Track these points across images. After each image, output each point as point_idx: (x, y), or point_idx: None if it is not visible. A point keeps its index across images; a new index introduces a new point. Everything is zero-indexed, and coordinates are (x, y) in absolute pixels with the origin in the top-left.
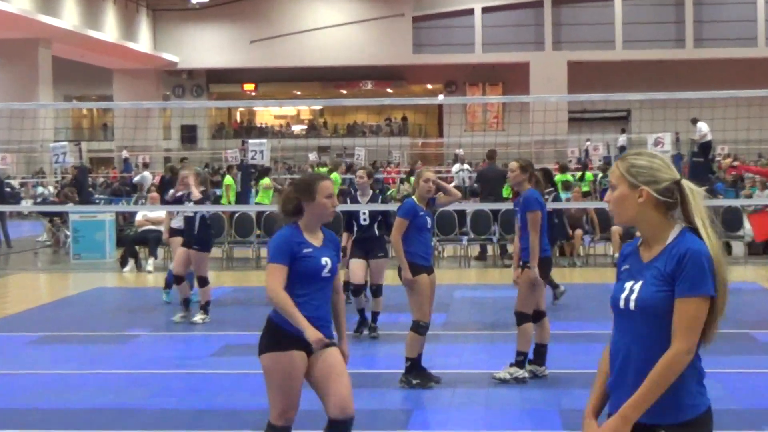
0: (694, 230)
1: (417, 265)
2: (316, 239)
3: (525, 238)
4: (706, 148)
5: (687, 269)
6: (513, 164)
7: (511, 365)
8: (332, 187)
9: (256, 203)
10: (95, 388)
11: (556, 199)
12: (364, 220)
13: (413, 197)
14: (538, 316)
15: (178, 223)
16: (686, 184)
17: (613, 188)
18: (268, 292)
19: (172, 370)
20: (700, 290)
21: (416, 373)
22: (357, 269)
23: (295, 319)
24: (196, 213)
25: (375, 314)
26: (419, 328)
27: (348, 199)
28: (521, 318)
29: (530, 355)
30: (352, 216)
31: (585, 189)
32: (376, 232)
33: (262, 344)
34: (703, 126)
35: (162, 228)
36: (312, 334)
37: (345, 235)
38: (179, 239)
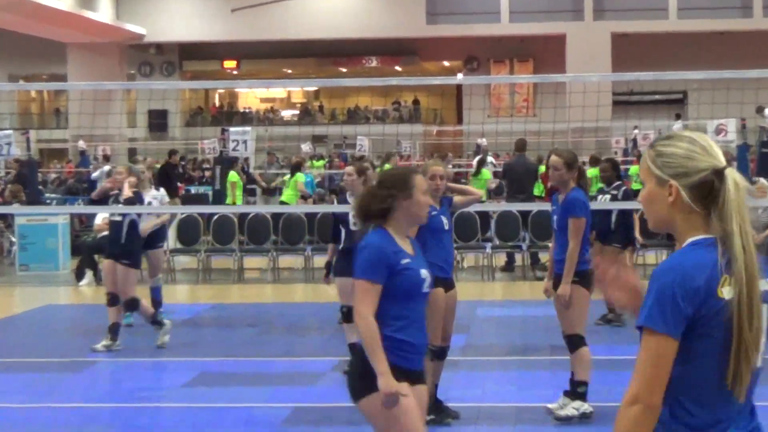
0: (725, 240)
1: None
2: (407, 246)
3: (564, 247)
4: None
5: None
6: (556, 160)
7: (572, 397)
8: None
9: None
10: (45, 424)
11: (627, 196)
12: (354, 224)
13: None
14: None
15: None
16: (731, 174)
17: (643, 184)
18: (357, 319)
19: (137, 403)
20: (639, 320)
21: (430, 407)
22: (347, 288)
23: (376, 358)
24: (124, 217)
25: None
26: (430, 353)
27: (336, 201)
28: (575, 341)
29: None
30: (339, 221)
31: (635, 186)
32: None
33: (357, 386)
34: None
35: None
36: (387, 384)
37: (330, 246)
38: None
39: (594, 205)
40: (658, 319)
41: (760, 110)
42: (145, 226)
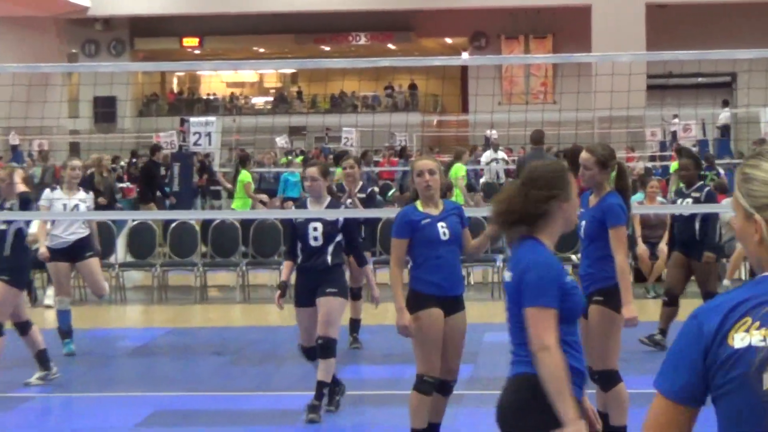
0: None
1: (422, 295)
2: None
3: (593, 259)
4: None
5: None
6: (587, 157)
7: None
8: None
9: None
10: None
11: (711, 198)
12: (315, 239)
13: (416, 202)
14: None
15: (55, 238)
16: None
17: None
18: (541, 353)
19: None
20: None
21: None
22: (305, 323)
23: (565, 401)
24: (9, 224)
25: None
26: (423, 386)
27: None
28: (610, 378)
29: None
30: (297, 234)
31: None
32: (329, 259)
33: (531, 424)
34: None
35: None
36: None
37: (286, 264)
38: (59, 264)
39: (670, 209)
40: (665, 377)
41: None
42: (34, 235)
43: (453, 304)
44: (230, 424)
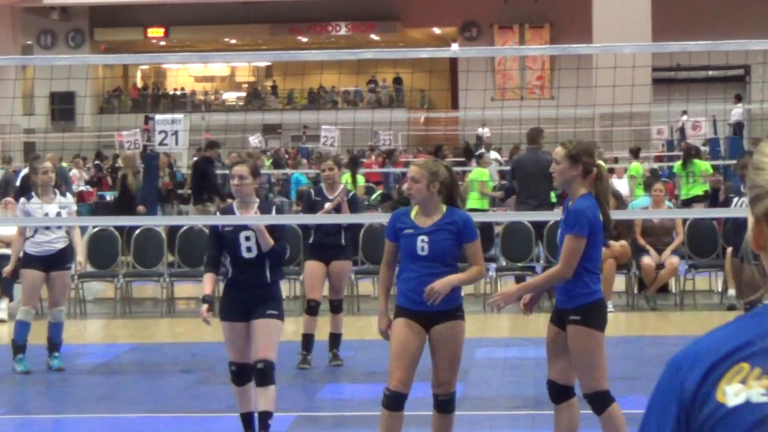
0: None
1: (398, 306)
2: None
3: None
4: None
5: None
6: (558, 150)
7: None
8: None
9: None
10: None
11: (726, 202)
12: (248, 249)
13: (414, 208)
14: (561, 393)
15: (36, 245)
16: None
17: None
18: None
19: None
20: None
21: None
22: (235, 338)
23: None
24: None
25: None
26: (384, 399)
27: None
28: (600, 400)
29: None
30: (224, 243)
31: (695, 191)
32: (267, 274)
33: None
34: None
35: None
36: None
37: (208, 277)
38: (35, 273)
39: (725, 213)
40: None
41: None
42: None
43: (435, 317)
44: None
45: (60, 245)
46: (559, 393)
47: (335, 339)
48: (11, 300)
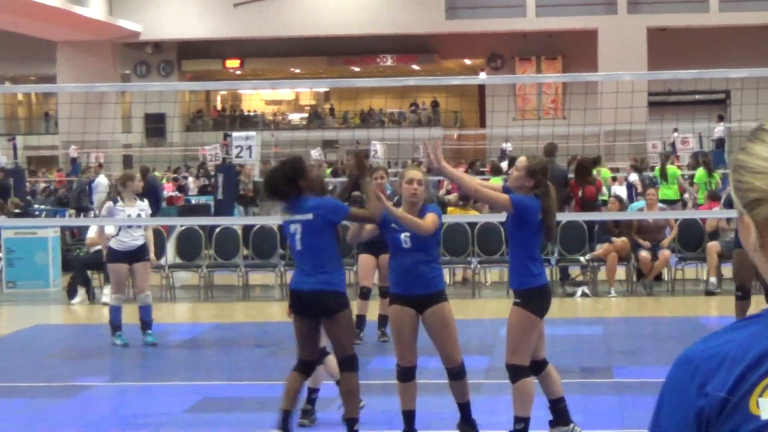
0: None
1: (392, 293)
2: None
3: (513, 261)
4: None
5: None
6: (522, 159)
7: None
8: None
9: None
10: None
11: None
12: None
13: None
14: (538, 368)
15: (120, 243)
16: None
17: None
18: None
19: (134, 431)
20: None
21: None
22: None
23: None
24: None
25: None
26: (397, 373)
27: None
28: (517, 372)
29: (550, 415)
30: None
31: (667, 193)
32: None
33: None
34: None
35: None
36: None
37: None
38: (121, 266)
39: (710, 214)
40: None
41: None
42: (92, 239)
43: (424, 301)
44: (270, 410)
45: (140, 242)
46: (536, 368)
47: (383, 319)
48: (88, 289)
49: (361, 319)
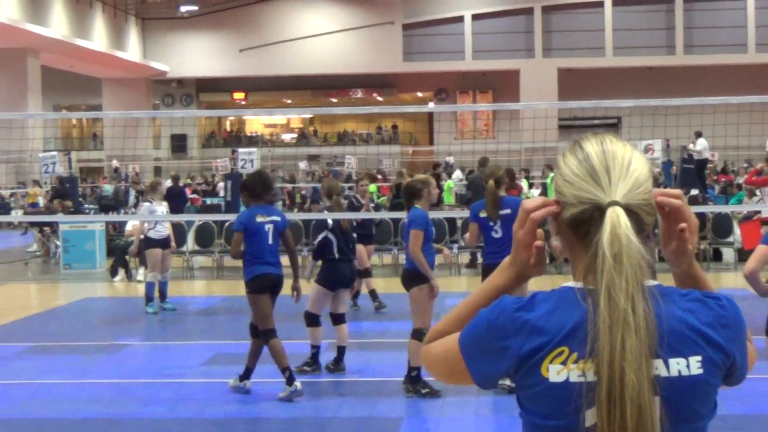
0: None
1: (422, 275)
2: None
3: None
4: (702, 165)
5: None
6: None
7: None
8: None
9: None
10: (85, 398)
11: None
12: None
13: (418, 206)
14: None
15: (157, 233)
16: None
17: None
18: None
19: (162, 379)
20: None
21: (423, 383)
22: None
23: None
24: None
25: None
26: (423, 336)
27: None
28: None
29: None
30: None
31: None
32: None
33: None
34: (701, 142)
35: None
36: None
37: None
38: (157, 251)
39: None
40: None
41: (698, 135)
42: (130, 231)
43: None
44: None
45: (167, 233)
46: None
47: (373, 293)
48: (146, 268)
49: (357, 293)
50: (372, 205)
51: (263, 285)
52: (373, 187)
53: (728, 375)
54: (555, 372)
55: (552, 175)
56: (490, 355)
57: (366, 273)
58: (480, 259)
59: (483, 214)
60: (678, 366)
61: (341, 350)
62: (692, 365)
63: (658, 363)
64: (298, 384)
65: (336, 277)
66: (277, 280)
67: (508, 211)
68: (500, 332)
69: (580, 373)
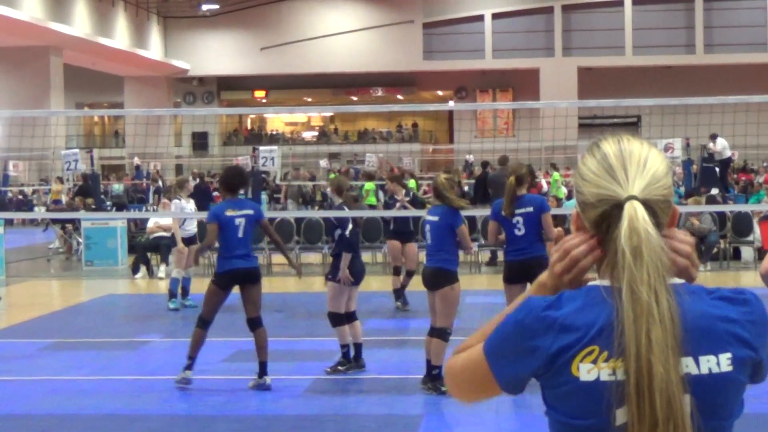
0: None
1: (456, 273)
2: None
3: None
4: (725, 164)
5: None
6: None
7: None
8: None
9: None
10: (107, 393)
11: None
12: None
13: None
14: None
15: (184, 231)
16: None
17: None
18: None
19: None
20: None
21: (443, 381)
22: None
23: None
24: None
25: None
26: (447, 336)
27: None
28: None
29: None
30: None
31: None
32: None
33: None
34: (720, 142)
35: (170, 234)
36: None
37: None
38: (185, 248)
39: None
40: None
41: (713, 137)
42: (151, 228)
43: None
44: (287, 360)
45: (194, 230)
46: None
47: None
48: (167, 265)
49: (397, 291)
50: (407, 199)
51: (229, 282)
52: (412, 183)
53: (755, 372)
54: (585, 371)
55: (556, 174)
56: (518, 355)
57: (410, 273)
58: (500, 257)
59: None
60: (708, 364)
61: (358, 347)
62: (722, 363)
63: (688, 361)
64: (189, 373)
65: (361, 272)
66: (246, 272)
67: (530, 209)
68: (529, 332)
69: (611, 372)
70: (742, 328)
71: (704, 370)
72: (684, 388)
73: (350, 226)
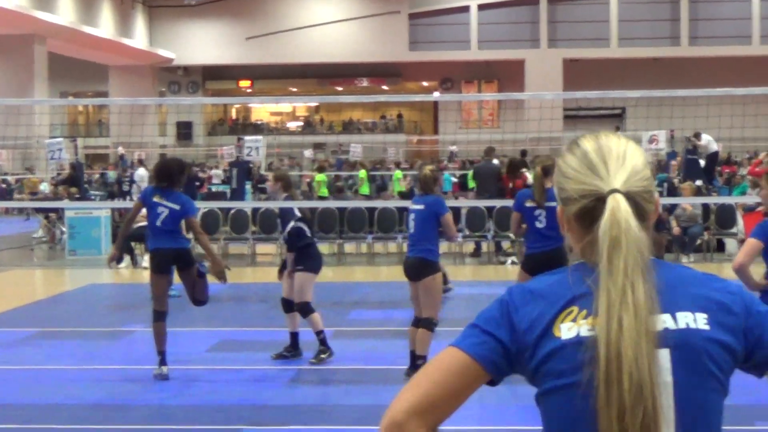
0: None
1: (438, 263)
2: None
3: None
4: (713, 158)
5: None
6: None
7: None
8: None
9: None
10: (90, 383)
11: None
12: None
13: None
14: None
15: None
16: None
17: None
18: None
19: (168, 365)
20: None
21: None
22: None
23: None
24: None
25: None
26: (433, 326)
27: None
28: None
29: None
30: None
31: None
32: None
33: None
34: (705, 137)
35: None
36: None
37: None
38: None
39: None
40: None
41: (697, 136)
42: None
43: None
44: (271, 350)
45: None
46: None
47: None
48: (132, 256)
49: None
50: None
51: (158, 263)
52: (398, 174)
53: (748, 343)
54: (566, 329)
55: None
56: (500, 327)
57: None
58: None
59: (529, 204)
60: (686, 319)
61: (296, 336)
62: (699, 320)
63: (666, 317)
64: (164, 369)
65: (320, 260)
66: (170, 253)
67: (554, 203)
68: (512, 306)
69: (590, 327)
70: (721, 295)
71: (681, 325)
72: (659, 350)
73: (292, 223)
